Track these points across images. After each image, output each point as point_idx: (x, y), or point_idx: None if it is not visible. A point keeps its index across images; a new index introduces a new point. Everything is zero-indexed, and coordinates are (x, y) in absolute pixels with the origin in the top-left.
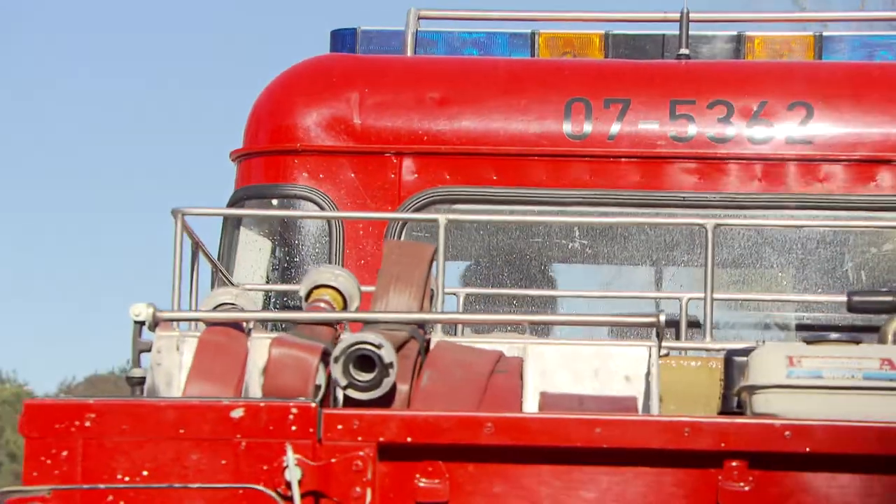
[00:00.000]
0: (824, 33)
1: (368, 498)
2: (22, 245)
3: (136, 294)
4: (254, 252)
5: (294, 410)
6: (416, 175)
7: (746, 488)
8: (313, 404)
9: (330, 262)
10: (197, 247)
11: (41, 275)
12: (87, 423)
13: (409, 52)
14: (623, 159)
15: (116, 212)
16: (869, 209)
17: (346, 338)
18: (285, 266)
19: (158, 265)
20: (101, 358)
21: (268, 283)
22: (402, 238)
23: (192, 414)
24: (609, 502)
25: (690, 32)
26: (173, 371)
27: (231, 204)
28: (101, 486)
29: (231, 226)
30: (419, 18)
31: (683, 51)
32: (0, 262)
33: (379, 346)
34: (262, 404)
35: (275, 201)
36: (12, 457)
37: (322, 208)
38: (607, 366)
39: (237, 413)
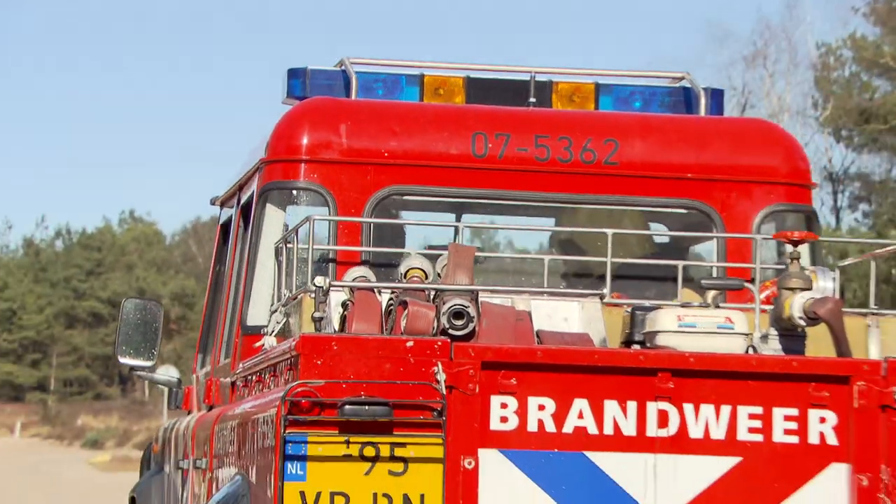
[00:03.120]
0: (599, 82)
1: (477, 389)
2: (155, 94)
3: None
4: (277, 220)
5: (439, 343)
6: (381, 177)
7: (672, 386)
8: (450, 340)
9: (328, 229)
10: (291, 234)
11: (175, 121)
12: (334, 346)
13: (354, 94)
14: (507, 171)
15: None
16: (657, 206)
17: (449, 301)
18: (290, 229)
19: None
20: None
21: (285, 241)
22: (375, 211)
23: (386, 344)
24: (599, 393)
25: (516, 77)
26: (331, 315)
27: (261, 193)
28: (343, 381)
29: (259, 206)
30: (351, 63)
31: (532, 99)
32: (137, 112)
33: (467, 306)
34: (423, 339)
35: (296, 189)
36: (141, 292)
37: (323, 198)
38: (556, 313)
39: (410, 344)
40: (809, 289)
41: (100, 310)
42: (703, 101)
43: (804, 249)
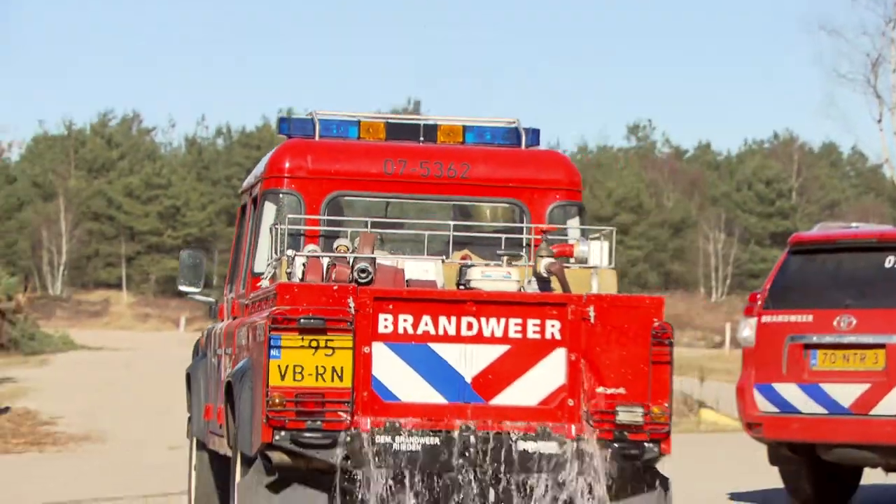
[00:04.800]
0: (465, 124)
1: (371, 310)
2: None
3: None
4: (271, 211)
5: (351, 287)
6: (331, 187)
7: (474, 309)
8: (357, 285)
9: (300, 219)
10: (278, 219)
11: (335, 21)
12: (295, 289)
13: (318, 133)
14: (404, 183)
15: None
16: (491, 203)
17: (358, 263)
18: (281, 217)
19: None
20: (382, 97)
21: (275, 224)
22: (328, 207)
23: (323, 287)
24: (437, 312)
25: (415, 120)
26: (296, 271)
27: (262, 194)
28: (308, 313)
29: (261, 202)
30: (316, 114)
31: (421, 138)
32: (293, 12)
33: (367, 266)
34: (343, 285)
35: (282, 194)
36: None
37: (298, 201)
38: (420, 268)
39: (335, 288)
40: (552, 257)
41: None
42: (524, 138)
43: (576, 226)
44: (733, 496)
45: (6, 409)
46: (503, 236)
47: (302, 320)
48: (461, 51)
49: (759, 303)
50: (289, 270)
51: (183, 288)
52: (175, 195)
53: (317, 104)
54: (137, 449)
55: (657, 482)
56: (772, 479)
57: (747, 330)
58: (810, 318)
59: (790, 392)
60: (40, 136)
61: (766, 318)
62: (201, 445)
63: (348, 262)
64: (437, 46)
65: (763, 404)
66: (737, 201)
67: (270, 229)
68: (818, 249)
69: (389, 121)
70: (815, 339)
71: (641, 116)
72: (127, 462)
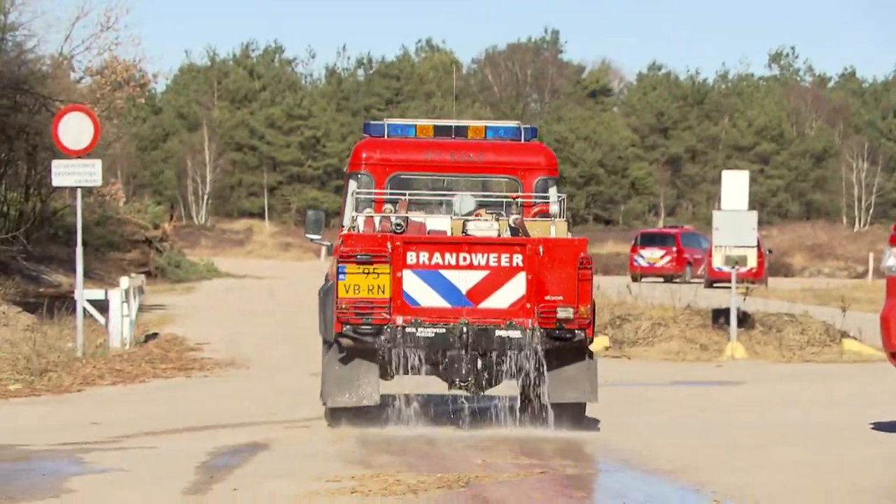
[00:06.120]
0: (486, 125)
1: (402, 249)
2: None
3: None
4: (353, 186)
5: (390, 235)
6: (392, 169)
7: (467, 248)
8: (394, 234)
9: (370, 191)
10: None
11: None
12: (354, 236)
13: (387, 133)
14: (441, 166)
15: None
16: (497, 178)
17: (396, 219)
18: (358, 189)
19: None
20: (519, 27)
21: (351, 194)
22: (389, 184)
23: (372, 235)
24: (444, 250)
25: (453, 123)
26: (359, 224)
27: (349, 174)
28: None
29: (348, 178)
30: (386, 120)
31: (453, 136)
32: None
33: (401, 222)
34: (385, 234)
35: (360, 174)
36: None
37: (370, 179)
38: (438, 223)
39: (380, 235)
40: (519, 215)
41: None
42: (523, 134)
43: (553, 193)
44: (876, 426)
45: (155, 335)
46: (504, 200)
47: (358, 256)
48: None
49: None
50: (353, 224)
51: (309, 236)
52: (315, 126)
53: (454, 34)
54: (280, 375)
55: (585, 356)
56: None
57: (892, 259)
58: None
59: None
60: (186, 67)
61: None
62: (325, 342)
63: (391, 220)
64: None
65: None
66: (881, 129)
67: (352, 196)
68: None
69: (436, 124)
70: None
71: (784, 44)
72: (270, 388)
